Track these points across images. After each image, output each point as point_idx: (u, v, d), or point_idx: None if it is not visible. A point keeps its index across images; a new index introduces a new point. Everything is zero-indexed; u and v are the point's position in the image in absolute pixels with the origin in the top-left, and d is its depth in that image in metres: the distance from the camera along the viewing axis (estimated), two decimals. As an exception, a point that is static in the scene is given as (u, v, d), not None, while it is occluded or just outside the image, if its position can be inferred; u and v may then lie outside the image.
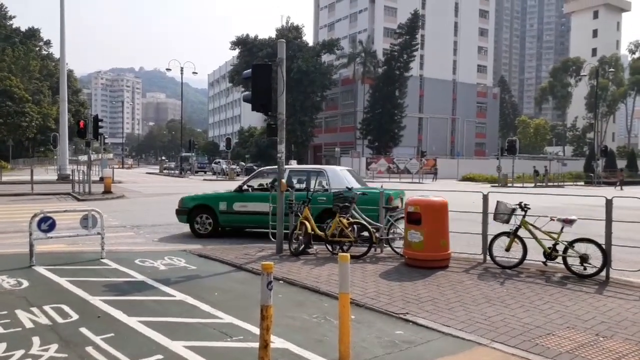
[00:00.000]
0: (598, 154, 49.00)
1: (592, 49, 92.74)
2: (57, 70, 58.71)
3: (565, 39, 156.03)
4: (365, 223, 8.52)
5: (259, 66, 8.84)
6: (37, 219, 7.75)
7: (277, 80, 8.74)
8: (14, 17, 74.30)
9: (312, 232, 8.61)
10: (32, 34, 75.96)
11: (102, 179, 26.87)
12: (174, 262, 8.05)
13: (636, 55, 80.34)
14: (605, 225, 6.91)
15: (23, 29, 75.48)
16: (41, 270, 7.33)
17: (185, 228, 11.78)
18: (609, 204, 6.88)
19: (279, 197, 8.80)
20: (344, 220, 8.43)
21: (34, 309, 5.40)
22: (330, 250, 8.64)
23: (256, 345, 3.69)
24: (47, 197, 21.35)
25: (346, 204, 8.54)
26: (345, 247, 8.41)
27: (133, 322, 5.03)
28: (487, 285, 6.52)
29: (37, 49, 75.02)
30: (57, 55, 64.29)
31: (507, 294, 6.08)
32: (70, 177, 26.39)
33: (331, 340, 4.42)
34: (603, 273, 6.77)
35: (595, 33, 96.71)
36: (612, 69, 75.89)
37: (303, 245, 8.62)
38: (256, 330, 4.10)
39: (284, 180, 8.89)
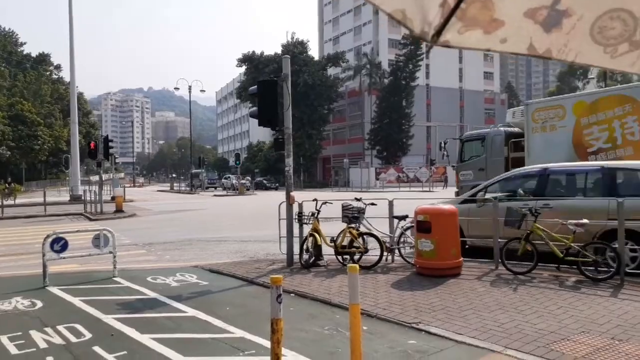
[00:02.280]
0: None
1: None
2: (67, 94, 59.58)
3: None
4: (375, 233, 8.50)
5: (264, 82, 8.96)
6: (49, 239, 7.83)
7: (283, 95, 8.82)
8: (25, 43, 75.95)
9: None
10: (43, 59, 77.40)
11: (113, 198, 27.11)
12: (185, 278, 8.08)
13: (644, 56, 79.85)
14: (618, 227, 6.83)
15: (34, 54, 77.01)
16: (55, 290, 7.39)
17: (196, 244, 11.81)
18: (620, 206, 6.81)
19: (287, 210, 8.82)
20: (354, 231, 8.43)
21: (48, 329, 5.44)
22: (341, 261, 8.62)
23: (268, 359, 3.68)
24: (60, 217, 21.57)
25: (355, 214, 8.54)
26: (355, 258, 8.39)
27: (146, 339, 5.05)
28: (500, 292, 6.46)
29: (47, 73, 76.40)
30: (67, 78, 65.26)
31: (520, 300, 6.02)
32: (82, 198, 26.67)
33: (343, 352, 4.40)
34: (617, 276, 6.68)
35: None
36: (620, 71, 75.42)
37: (313, 258, 8.62)
38: (268, 344, 4.09)
39: (292, 194, 8.91)
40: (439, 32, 1.66)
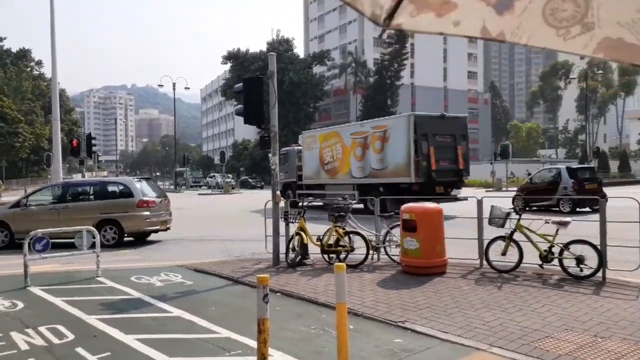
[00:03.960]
0: (590, 155, 49.29)
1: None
2: (49, 90, 58.62)
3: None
4: (361, 232, 8.51)
5: (250, 80, 8.90)
6: (31, 239, 7.70)
7: (269, 93, 8.78)
8: (5, 38, 74.43)
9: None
10: (23, 54, 76.00)
11: (96, 197, 26.69)
12: (170, 278, 8.01)
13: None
14: (600, 226, 6.94)
15: (14, 49, 75.57)
16: (36, 290, 7.27)
17: (181, 243, 11.70)
18: (602, 204, 6.91)
19: (274, 209, 8.79)
20: (340, 230, 8.43)
21: (29, 330, 5.35)
22: (327, 260, 8.62)
23: (254, 359, 3.66)
24: (42, 217, 21.19)
25: (342, 213, 8.54)
26: (342, 257, 8.39)
27: (130, 340, 4.98)
28: (485, 290, 6.51)
29: (28, 69, 75.02)
30: (48, 75, 64.28)
31: (505, 298, 6.08)
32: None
33: (330, 351, 4.40)
34: (599, 274, 6.79)
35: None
36: (601, 71, 76.62)
37: (300, 257, 8.60)
38: (254, 344, 4.07)
39: (279, 192, 8.89)
40: (391, 15, 1.63)
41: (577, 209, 17.00)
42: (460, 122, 18.80)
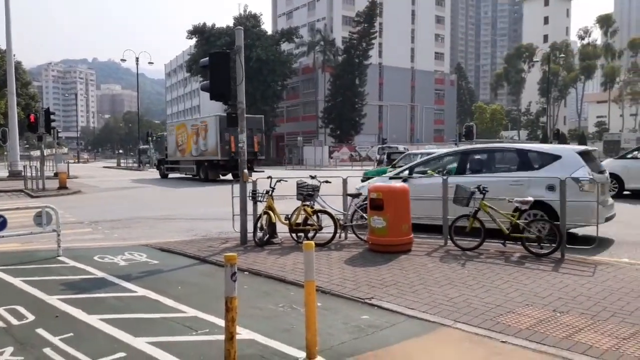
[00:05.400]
0: (551, 137, 50.71)
1: (544, 35, 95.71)
2: (3, 62, 55.94)
3: (518, 26, 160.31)
4: (329, 211, 8.53)
5: (216, 54, 8.67)
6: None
7: (236, 68, 8.59)
8: (-46, 6, 70.29)
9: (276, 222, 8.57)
10: (-25, 24, 72.07)
11: (56, 175, 25.91)
12: (134, 257, 7.86)
13: (585, 41, 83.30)
14: (560, 205, 7.16)
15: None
16: (-7, 271, 7.01)
17: (145, 222, 11.47)
18: (562, 184, 7.12)
19: (241, 187, 8.70)
20: (308, 209, 8.43)
21: (-14, 312, 5.16)
22: (295, 239, 8.62)
23: (222, 337, 3.64)
24: (-2, 195, 20.43)
25: (310, 192, 8.52)
26: (310, 235, 8.41)
27: (93, 320, 4.88)
28: (449, 267, 6.66)
29: (-20, 39, 71.26)
30: (3, 46, 61.27)
31: (469, 275, 6.23)
32: (23, 174, 25.32)
33: (298, 328, 4.42)
34: (558, 252, 7.02)
35: (546, 20, 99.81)
36: (562, 55, 78.49)
37: (267, 236, 8.58)
38: (221, 323, 4.04)
39: (246, 171, 8.79)
40: None
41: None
42: (256, 120, 27.51)
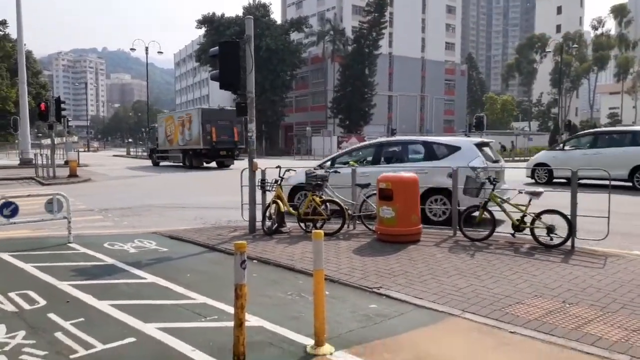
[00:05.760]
0: (562, 128, 50.18)
1: (557, 25, 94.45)
2: (14, 52, 56.25)
3: (530, 15, 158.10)
4: (338, 201, 8.53)
5: (226, 43, 8.64)
6: (-2, 204, 7.47)
7: (246, 58, 8.57)
8: (-35, -5, 70.57)
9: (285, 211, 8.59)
10: (-14, 12, 72.33)
11: (67, 163, 26.09)
12: (144, 245, 7.92)
13: (599, 32, 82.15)
14: (571, 197, 7.10)
15: (-24, 7, 71.91)
16: (5, 256, 7.10)
17: (155, 210, 11.53)
18: (574, 175, 7.05)
19: (250, 176, 8.71)
20: (317, 198, 8.43)
21: (-1, 296, 5.23)
22: (304, 228, 8.63)
23: (231, 324, 3.66)
24: (9, 182, 20.65)
25: (319, 182, 8.52)
26: (318, 225, 8.42)
27: (104, 305, 4.93)
28: (458, 258, 6.64)
29: (-8, 29, 71.56)
30: (14, 35, 61.47)
31: (478, 266, 6.21)
32: (34, 162, 25.57)
33: (306, 316, 4.43)
34: (569, 243, 6.97)
35: (559, 10, 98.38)
36: (575, 45, 77.43)
37: (276, 225, 8.60)
38: (230, 310, 4.07)
39: (255, 161, 8.79)
40: None
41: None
42: (235, 112, 31.06)
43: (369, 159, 10.56)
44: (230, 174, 23.09)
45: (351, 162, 10.32)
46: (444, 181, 8.94)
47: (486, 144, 10.09)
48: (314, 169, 9.88)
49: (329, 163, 10.63)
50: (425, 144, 10.23)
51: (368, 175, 9.10)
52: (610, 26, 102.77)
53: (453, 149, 9.59)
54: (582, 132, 22.50)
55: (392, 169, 9.21)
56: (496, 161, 10.13)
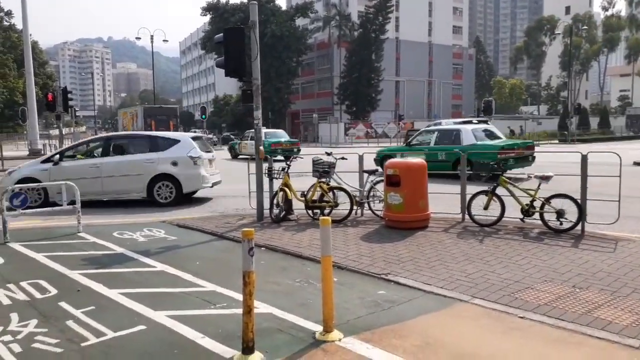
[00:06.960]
0: (571, 112, 49.67)
1: (566, 7, 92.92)
2: (20, 42, 56.30)
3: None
4: (345, 187, 8.51)
5: (230, 30, 8.58)
6: (8, 194, 7.53)
7: (251, 44, 8.51)
8: (-29, -14, 70.65)
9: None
10: (-8, 4, 72.39)
11: (75, 153, 26.23)
12: (153, 233, 7.96)
13: (609, 13, 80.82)
14: (581, 181, 7.02)
15: (-19, -1, 71.92)
16: (16, 246, 7.17)
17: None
18: (584, 159, 6.98)
19: (257, 164, 8.70)
20: (324, 186, 8.41)
21: (11, 286, 5.29)
22: (311, 215, 8.63)
23: (239, 311, 3.67)
24: (19, 173, 20.76)
25: (326, 169, 8.49)
26: (326, 212, 8.41)
27: (114, 294, 4.97)
28: (467, 244, 6.61)
29: (-2, 20, 71.69)
30: (19, 26, 61.55)
31: (486, 251, 6.18)
32: (42, 152, 25.73)
33: (315, 303, 4.44)
34: (579, 227, 6.92)
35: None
36: (585, 27, 76.30)
37: (284, 212, 8.60)
38: (239, 297, 4.08)
39: (262, 148, 8.77)
40: None
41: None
42: (171, 109, 44.68)
43: (99, 151, 11.57)
44: (240, 164, 23.10)
45: (78, 155, 11.46)
46: (169, 168, 10.88)
47: (199, 138, 12.30)
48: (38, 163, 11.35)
49: (57, 156, 11.17)
50: (150, 137, 11.83)
51: (99, 167, 10.93)
52: (621, 7, 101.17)
53: (174, 142, 11.30)
54: None
55: (122, 159, 11.08)
56: (208, 151, 11.97)
